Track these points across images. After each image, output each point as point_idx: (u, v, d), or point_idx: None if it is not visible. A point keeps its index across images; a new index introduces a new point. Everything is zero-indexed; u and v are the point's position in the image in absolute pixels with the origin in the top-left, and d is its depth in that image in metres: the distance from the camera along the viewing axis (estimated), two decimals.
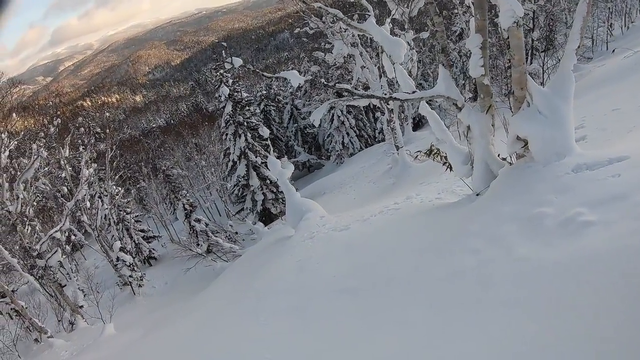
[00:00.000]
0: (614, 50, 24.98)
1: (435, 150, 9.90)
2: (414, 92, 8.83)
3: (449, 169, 9.68)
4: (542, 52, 26.33)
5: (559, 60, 25.46)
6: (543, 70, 25.21)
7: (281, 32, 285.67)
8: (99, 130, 52.51)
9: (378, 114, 47.06)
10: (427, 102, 9.62)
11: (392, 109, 22.41)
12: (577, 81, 7.96)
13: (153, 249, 35.82)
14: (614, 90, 15.09)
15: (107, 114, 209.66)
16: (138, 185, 56.19)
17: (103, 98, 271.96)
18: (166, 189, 48.15)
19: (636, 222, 4.49)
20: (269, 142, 20.55)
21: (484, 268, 5.62)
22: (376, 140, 48.95)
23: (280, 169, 15.68)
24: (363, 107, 48.33)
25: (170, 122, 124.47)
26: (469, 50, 7.97)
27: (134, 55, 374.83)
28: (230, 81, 35.24)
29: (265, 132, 21.20)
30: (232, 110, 34.84)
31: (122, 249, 27.16)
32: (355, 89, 24.70)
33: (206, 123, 64.01)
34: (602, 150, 6.87)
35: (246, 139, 34.81)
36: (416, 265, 6.92)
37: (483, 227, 6.48)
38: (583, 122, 11.60)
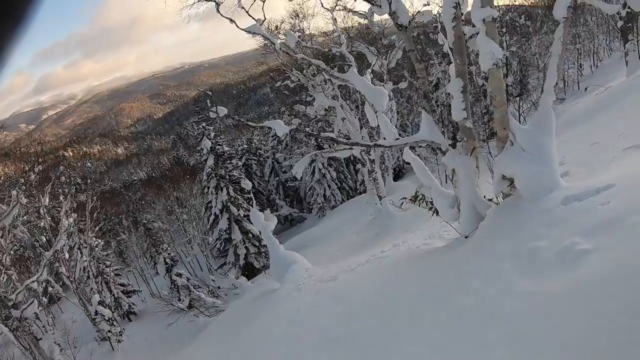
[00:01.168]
0: (586, 89, 25.45)
1: (421, 196, 9.82)
2: (397, 139, 8.81)
3: (435, 214, 9.55)
4: (516, 96, 26.66)
5: (534, 103, 26.40)
6: (519, 113, 25.46)
7: (262, 87, 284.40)
8: (79, 181, 52.07)
9: (359, 165, 46.35)
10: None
11: (373, 160, 22.50)
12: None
13: (133, 304, 35.06)
14: (590, 126, 15.26)
15: (89, 164, 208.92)
16: (118, 238, 55.31)
17: (85, 149, 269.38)
18: (147, 243, 47.67)
19: (635, 242, 4.41)
20: (251, 195, 20.37)
21: (484, 306, 5.45)
22: (357, 191, 48.04)
23: (263, 222, 15.54)
24: (344, 159, 47.98)
25: (151, 175, 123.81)
26: (448, 98, 8.04)
27: (117, 107, 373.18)
28: (213, 134, 35.30)
29: (247, 185, 21.08)
30: (214, 164, 34.75)
31: (101, 303, 26.45)
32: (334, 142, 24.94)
33: (187, 177, 63.56)
34: (588, 181, 6.83)
35: (228, 193, 34.64)
36: (412, 309, 6.73)
37: (478, 267, 6.35)
38: (564, 159, 11.50)
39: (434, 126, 8.50)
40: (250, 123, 8.75)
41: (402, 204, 10.36)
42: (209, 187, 35.58)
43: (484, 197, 8.32)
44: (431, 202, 9.54)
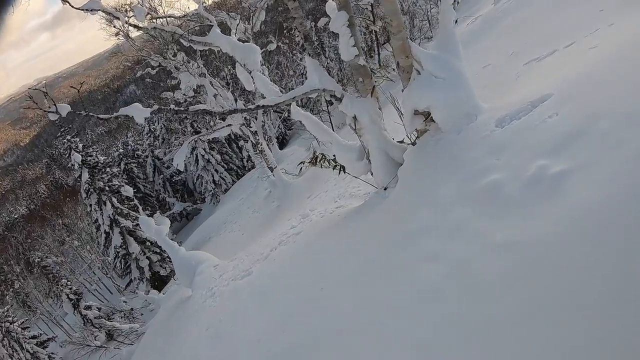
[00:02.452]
0: (456, 21, 25.16)
1: (321, 156, 8.57)
2: (280, 95, 7.55)
3: (341, 172, 8.38)
4: (383, 44, 26.01)
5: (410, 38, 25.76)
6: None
7: (127, 86, 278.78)
8: None
9: (242, 142, 45.91)
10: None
11: (255, 132, 21.11)
12: None
13: (52, 353, 32.09)
14: (473, 53, 14.53)
15: None
16: (13, 288, 51.67)
17: None
18: (47, 283, 44.63)
19: (618, 153, 3.46)
20: (135, 201, 18.57)
21: (464, 275, 4.04)
22: (246, 169, 47.53)
23: (155, 227, 14.34)
24: (225, 139, 47.09)
25: (32, 208, 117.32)
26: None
27: None
28: (81, 146, 32.53)
29: (128, 191, 19.41)
30: (89, 177, 32.09)
31: None
32: (210, 122, 23.33)
33: (68, 199, 60.26)
34: (511, 98, 5.96)
35: (112, 205, 32.19)
36: (359, 297, 5.29)
37: (425, 222, 5.11)
38: None
39: (322, 71, 7.27)
40: (101, 116, 7.17)
41: (300, 169, 9.03)
42: (91, 205, 32.91)
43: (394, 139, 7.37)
44: (334, 160, 8.36)
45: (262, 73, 21.77)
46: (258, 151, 22.16)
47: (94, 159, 33.12)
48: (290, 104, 7.95)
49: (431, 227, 4.91)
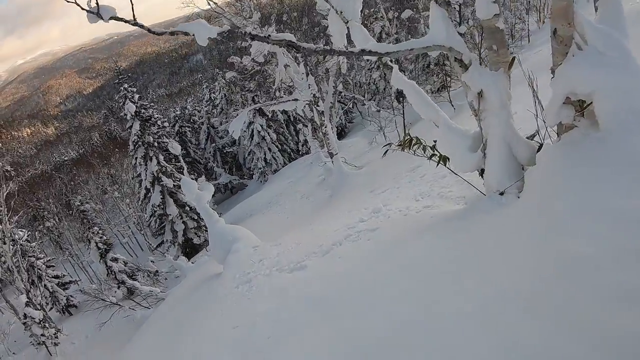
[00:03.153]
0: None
1: (415, 140, 6.84)
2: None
3: (441, 163, 6.64)
4: None
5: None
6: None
7: (195, 54, 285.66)
8: (8, 167, 48.77)
9: (300, 125, 45.19)
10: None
11: (322, 111, 19.44)
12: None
13: (71, 296, 32.09)
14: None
15: (20, 150, 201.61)
16: (48, 225, 51.96)
17: (14, 132, 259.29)
18: (82, 227, 44.42)
19: None
20: (182, 162, 17.09)
21: None
22: (300, 153, 46.83)
23: (197, 192, 13.07)
24: (284, 119, 46.71)
25: (82, 154, 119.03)
26: None
27: (44, 85, 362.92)
28: (136, 97, 31.61)
29: (176, 148, 17.88)
30: (140, 130, 31.22)
31: (29, 304, 23.48)
32: (276, 93, 21.81)
33: (117, 150, 60.15)
34: None
35: (158, 162, 31.24)
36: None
37: (600, 246, 3.34)
38: None
39: (450, 25, 5.56)
40: (155, 30, 5.46)
41: (385, 152, 7.29)
42: (136, 158, 32.04)
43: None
44: (433, 147, 6.68)
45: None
46: (321, 134, 20.48)
47: (147, 112, 32.24)
48: (392, 68, 6.34)
49: (613, 254, 3.20)
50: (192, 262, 24.60)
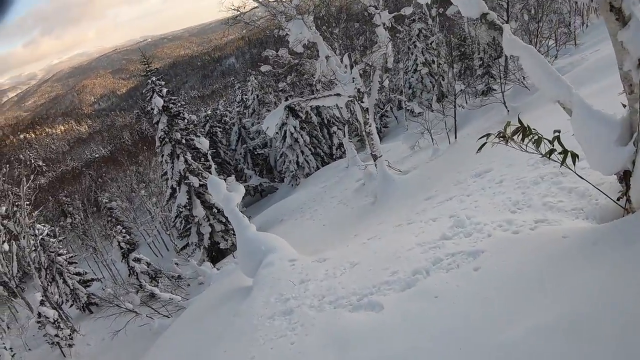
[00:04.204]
0: None
1: (528, 130, 4.84)
2: None
3: (567, 161, 4.64)
4: None
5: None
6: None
7: (227, 58, 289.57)
8: (41, 163, 49.08)
9: (334, 128, 43.57)
10: None
11: (367, 108, 17.40)
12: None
13: (92, 294, 31.06)
14: None
15: (53, 146, 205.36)
16: (72, 221, 51.60)
17: (47, 129, 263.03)
18: (108, 225, 43.72)
19: None
20: (210, 159, 15.31)
21: None
22: (333, 157, 45.50)
23: (226, 193, 11.49)
24: (317, 122, 45.81)
25: (112, 152, 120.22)
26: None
27: (79, 85, 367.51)
28: (165, 90, 29.84)
29: (204, 144, 16.10)
30: (167, 126, 29.46)
31: (43, 302, 22.72)
32: (316, 87, 19.90)
33: (145, 148, 59.31)
34: None
35: (186, 160, 29.41)
36: None
37: None
38: None
39: None
40: None
41: (481, 146, 5.25)
42: (162, 155, 30.32)
43: None
44: (558, 137, 4.70)
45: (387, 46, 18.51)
46: (364, 133, 18.45)
47: (175, 108, 30.41)
48: (502, 29, 4.42)
49: None
50: (218, 269, 23.46)
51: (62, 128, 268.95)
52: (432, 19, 33.81)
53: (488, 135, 5.39)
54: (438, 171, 14.64)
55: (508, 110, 19.91)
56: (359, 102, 17.24)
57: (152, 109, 29.70)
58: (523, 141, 5.01)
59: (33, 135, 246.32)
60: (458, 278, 5.44)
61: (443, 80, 29.76)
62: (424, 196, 12.24)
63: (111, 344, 21.58)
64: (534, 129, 4.93)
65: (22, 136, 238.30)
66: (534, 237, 5.60)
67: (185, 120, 30.14)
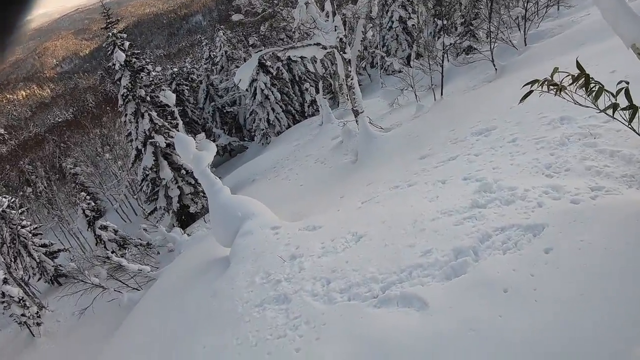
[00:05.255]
0: None
1: (585, 79, 3.72)
2: None
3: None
4: None
5: None
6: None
7: (194, 15, 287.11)
8: (2, 131, 47.99)
9: (306, 85, 43.12)
10: None
11: (349, 60, 16.04)
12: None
13: (60, 266, 29.57)
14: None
15: (15, 113, 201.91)
16: (36, 190, 50.21)
17: (8, 96, 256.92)
18: (74, 191, 42.39)
19: None
20: (178, 117, 13.87)
21: None
22: (305, 115, 44.72)
23: (195, 152, 10.21)
24: (289, 78, 45.22)
25: (75, 115, 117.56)
26: None
27: (40, 47, 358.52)
28: (127, 44, 27.89)
29: (170, 98, 14.57)
30: (130, 82, 27.54)
31: (6, 280, 21.51)
32: (294, 35, 18.50)
33: (109, 108, 57.54)
34: None
35: (151, 119, 27.67)
36: None
37: None
38: None
39: None
40: None
41: (524, 97, 4.01)
42: (126, 114, 28.48)
43: None
44: (622, 92, 3.75)
45: None
46: (345, 87, 17.16)
47: (139, 63, 28.60)
48: None
49: None
50: (189, 235, 22.24)
51: (24, 93, 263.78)
52: None
53: (534, 82, 4.18)
54: (427, 129, 13.60)
55: (496, 69, 18.90)
56: (341, 52, 15.89)
57: (113, 64, 27.73)
58: (587, 91, 3.84)
59: None
60: (527, 263, 4.20)
61: (420, 39, 28.59)
62: (417, 155, 11.07)
63: (83, 318, 20.43)
64: (595, 80, 3.80)
65: None
66: (604, 209, 4.50)
67: (150, 76, 28.34)
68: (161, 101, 28.46)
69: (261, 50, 16.03)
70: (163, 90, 27.96)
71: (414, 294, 4.51)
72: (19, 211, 29.91)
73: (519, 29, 22.05)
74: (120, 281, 19.47)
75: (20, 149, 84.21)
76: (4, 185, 41.81)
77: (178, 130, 18.19)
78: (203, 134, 11.98)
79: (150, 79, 28.48)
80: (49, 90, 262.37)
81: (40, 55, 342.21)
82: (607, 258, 3.70)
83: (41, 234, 31.69)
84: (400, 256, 5.25)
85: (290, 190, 17.70)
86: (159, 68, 31.43)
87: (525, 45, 20.14)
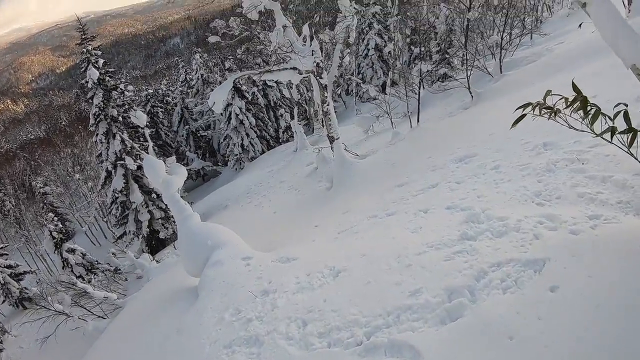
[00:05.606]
0: (580, 25, 20.28)
1: (582, 102, 3.44)
2: None
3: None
4: None
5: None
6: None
7: (172, 38, 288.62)
8: None
9: (281, 111, 43.00)
10: None
11: (325, 85, 15.77)
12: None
13: (25, 288, 28.72)
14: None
15: None
16: (4, 208, 49.24)
17: None
18: (43, 211, 41.61)
19: None
20: (148, 138, 13.44)
21: None
22: (279, 141, 44.58)
23: (165, 176, 9.85)
24: (264, 104, 45.09)
25: (48, 133, 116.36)
26: None
27: (16, 61, 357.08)
28: (101, 62, 27.31)
29: (141, 118, 14.12)
30: (102, 101, 26.94)
31: None
32: (271, 58, 18.30)
33: (81, 127, 56.88)
34: None
35: (122, 140, 27.07)
36: None
37: None
38: None
39: None
40: None
41: (516, 121, 3.71)
42: (97, 134, 27.81)
43: None
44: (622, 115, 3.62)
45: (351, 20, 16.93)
46: (321, 113, 16.85)
47: (112, 81, 27.98)
48: None
49: None
50: (158, 262, 21.91)
51: None
52: (392, 1, 32.80)
53: (526, 105, 3.89)
54: (404, 156, 13.34)
55: (472, 96, 18.79)
56: (318, 77, 15.62)
57: (86, 81, 27.06)
58: (585, 113, 3.56)
59: None
60: (531, 304, 3.80)
61: (396, 67, 28.75)
62: (394, 183, 10.72)
63: (46, 346, 19.59)
64: (595, 105, 3.53)
65: None
66: (607, 240, 4.16)
67: (124, 96, 27.81)
68: (133, 122, 27.88)
69: (237, 73, 15.72)
70: (134, 110, 27.35)
71: (404, 341, 4.03)
72: None
73: (493, 57, 22.14)
74: (85, 308, 18.75)
75: None
76: None
77: (148, 153, 17.77)
78: (174, 157, 11.61)
79: (124, 99, 27.98)
80: (22, 106, 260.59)
81: (16, 70, 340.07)
82: (619, 293, 3.33)
83: (7, 254, 30.75)
84: (385, 296, 4.79)
85: (263, 217, 17.29)
86: (130, 87, 30.85)
87: (501, 72, 20.11)
